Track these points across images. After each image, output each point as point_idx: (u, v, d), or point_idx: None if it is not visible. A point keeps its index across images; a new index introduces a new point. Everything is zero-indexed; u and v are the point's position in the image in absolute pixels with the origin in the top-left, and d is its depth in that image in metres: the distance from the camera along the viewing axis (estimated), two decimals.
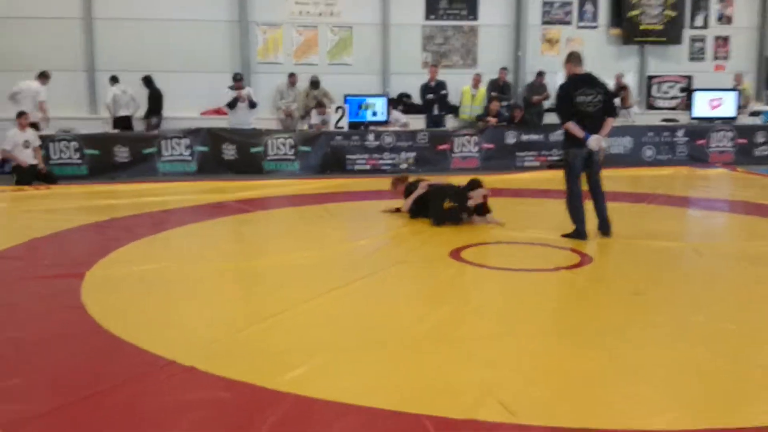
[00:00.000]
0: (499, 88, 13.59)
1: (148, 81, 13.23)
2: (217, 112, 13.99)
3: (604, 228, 6.39)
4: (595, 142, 6.17)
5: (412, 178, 8.05)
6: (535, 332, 4.04)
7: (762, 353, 3.70)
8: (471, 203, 7.07)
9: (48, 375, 3.43)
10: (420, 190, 7.52)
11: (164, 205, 8.51)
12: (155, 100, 13.29)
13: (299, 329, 4.04)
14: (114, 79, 12.87)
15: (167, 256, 5.95)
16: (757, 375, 3.41)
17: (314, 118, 12.43)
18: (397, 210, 7.70)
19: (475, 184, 7.29)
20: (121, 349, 3.74)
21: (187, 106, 13.78)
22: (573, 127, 6.22)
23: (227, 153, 11.44)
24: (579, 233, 6.29)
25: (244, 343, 3.82)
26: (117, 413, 2.98)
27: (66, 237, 6.77)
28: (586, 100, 6.21)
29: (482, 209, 7.24)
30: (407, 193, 7.68)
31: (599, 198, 6.42)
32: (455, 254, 5.81)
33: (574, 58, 6.40)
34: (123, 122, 12.71)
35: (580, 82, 6.27)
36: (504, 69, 13.93)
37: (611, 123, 6.36)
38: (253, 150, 11.46)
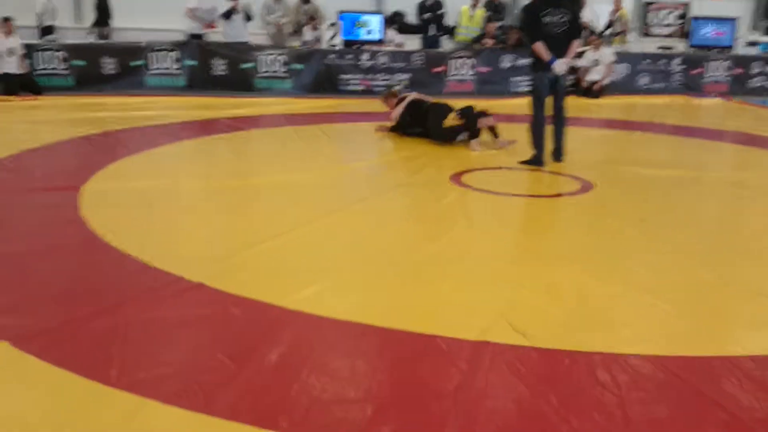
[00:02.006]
0: (493, 7, 13.23)
1: None
2: (208, 25, 13.55)
3: (557, 155, 6.35)
4: (560, 66, 6.08)
5: (403, 95, 7.96)
6: (546, 256, 4.05)
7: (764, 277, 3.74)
8: (482, 122, 7.02)
9: (52, 289, 3.37)
10: (409, 98, 7.46)
11: (155, 119, 8.34)
12: (102, 9, 12.53)
13: (308, 248, 4.01)
14: None
15: (164, 172, 5.85)
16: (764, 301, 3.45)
17: (307, 34, 12.11)
18: (391, 129, 7.60)
19: (482, 113, 7.24)
20: (126, 264, 3.69)
21: (177, 18, 13.29)
22: (540, 47, 6.12)
23: (217, 68, 11.14)
24: (537, 159, 6.25)
25: (253, 260, 3.78)
26: (127, 327, 2.94)
27: (58, 149, 6.62)
28: (552, 20, 6.06)
29: (494, 134, 7.24)
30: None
31: (559, 123, 6.37)
32: (456, 178, 5.76)
33: None
34: (48, 31, 12.09)
35: (545, 3, 6.10)
36: None
37: (576, 46, 6.28)
38: (244, 66, 11.17)
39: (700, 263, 3.96)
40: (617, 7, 13.62)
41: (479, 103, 7.80)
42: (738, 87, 12.52)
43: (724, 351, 2.92)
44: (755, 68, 12.67)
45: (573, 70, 11.54)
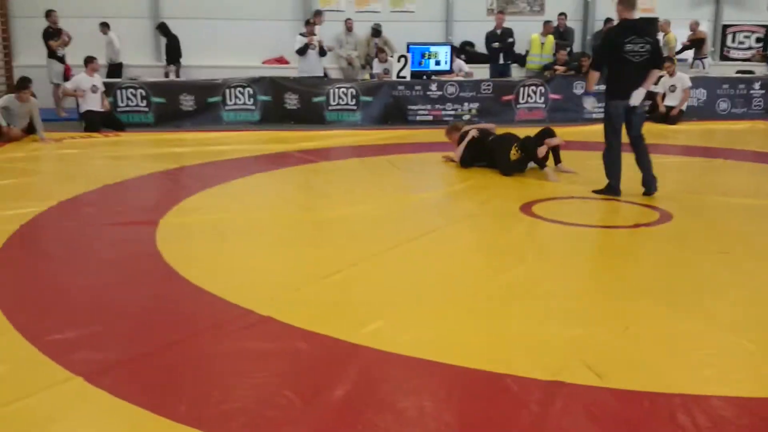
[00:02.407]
0: (559, 34, 13.10)
1: (164, 28, 13.00)
2: (279, 60, 13.93)
3: (649, 186, 6.02)
4: (637, 96, 5.84)
5: (466, 127, 7.92)
6: (621, 290, 3.91)
7: None
8: (541, 151, 6.89)
9: (127, 322, 3.45)
10: (469, 136, 7.40)
11: (230, 154, 8.54)
12: (173, 48, 13.02)
13: (374, 282, 4.00)
14: (105, 26, 12.57)
15: (237, 205, 5.97)
16: None
17: (376, 67, 12.26)
18: (457, 161, 7.55)
19: (547, 133, 7.12)
20: (198, 297, 3.75)
21: (249, 54, 13.72)
22: (592, 76, 6.09)
23: (290, 102, 11.38)
24: (612, 189, 6.05)
25: (320, 294, 3.79)
26: (197, 361, 2.99)
27: (137, 184, 6.85)
28: (634, 48, 5.81)
29: (555, 158, 7.12)
30: (461, 142, 7.56)
31: (642, 153, 6.06)
32: (526, 209, 5.66)
33: (625, 1, 5.93)
34: (117, 69, 12.63)
35: (629, 30, 5.86)
36: (562, 15, 13.43)
37: (656, 75, 6.07)
38: (315, 100, 11.37)
39: None
40: (693, 30, 13.29)
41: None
42: None
43: None
44: None
45: (649, 95, 11.28)
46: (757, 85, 12.04)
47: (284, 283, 3.99)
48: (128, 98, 10.95)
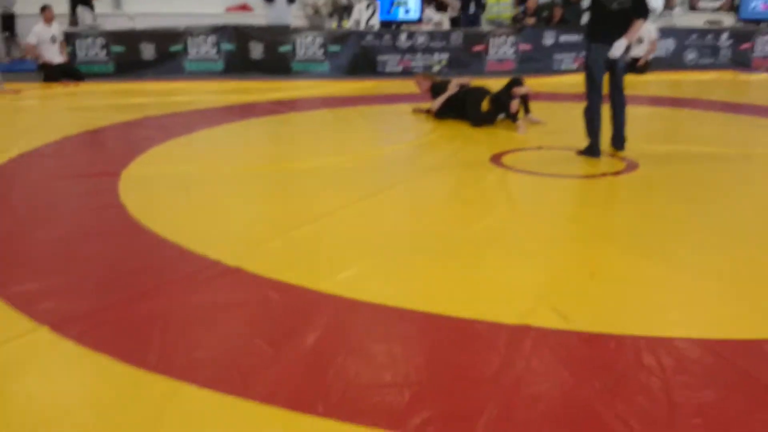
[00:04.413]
0: None
1: None
2: (243, 7, 13.60)
3: (618, 142, 5.80)
4: (618, 47, 5.47)
5: (438, 79, 7.87)
6: (589, 237, 3.95)
7: None
8: (514, 105, 6.87)
9: (92, 274, 3.40)
10: (451, 91, 7.35)
11: (194, 104, 8.37)
12: None
13: (345, 232, 3.97)
14: None
15: (203, 156, 5.87)
16: None
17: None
18: (428, 111, 7.51)
19: (516, 82, 7.09)
20: (164, 249, 3.70)
21: (211, 1, 13.36)
22: None
23: (255, 52, 11.14)
24: (592, 150, 5.71)
25: (290, 244, 3.76)
26: (165, 311, 2.95)
27: (98, 135, 6.69)
28: None
29: (525, 108, 7.10)
30: (434, 93, 7.51)
31: (619, 107, 5.77)
32: (496, 159, 5.66)
33: None
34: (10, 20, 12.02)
35: None
36: None
37: (639, 25, 5.53)
38: (282, 49, 11.15)
39: (749, 243, 3.83)
40: None
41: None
42: None
43: None
44: None
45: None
46: (724, 36, 12.11)
47: (253, 234, 3.95)
48: (87, 48, 10.62)
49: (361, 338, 2.75)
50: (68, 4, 11.67)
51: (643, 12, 5.51)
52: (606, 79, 5.67)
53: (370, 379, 2.44)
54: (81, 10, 11.59)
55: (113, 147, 6.44)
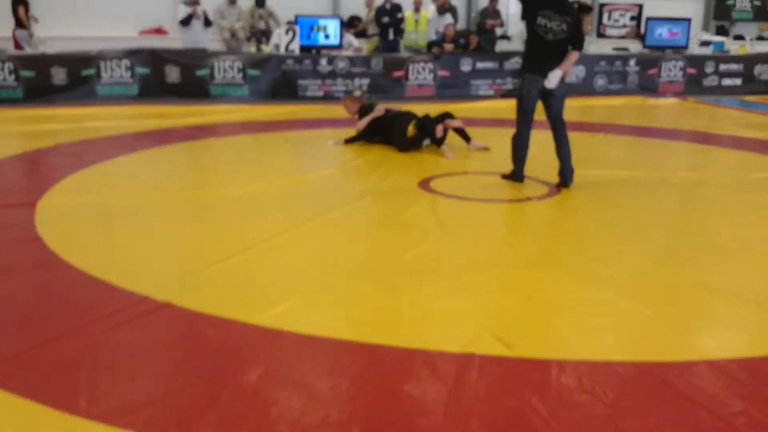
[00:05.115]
0: (444, 11, 13.21)
1: None
2: (158, 31, 13.31)
3: (566, 176, 5.62)
4: (553, 78, 5.35)
5: (365, 101, 7.92)
6: (520, 262, 4.00)
7: (739, 278, 3.74)
8: (439, 130, 6.95)
9: (12, 314, 3.19)
10: (377, 113, 7.39)
11: (109, 130, 8.07)
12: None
13: (277, 262, 3.88)
14: None
15: (122, 184, 5.64)
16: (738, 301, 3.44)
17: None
18: (347, 141, 7.46)
19: (448, 115, 7.21)
20: (88, 284, 3.51)
21: (125, 25, 13.01)
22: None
23: (171, 76, 10.86)
24: (516, 175, 5.72)
25: (220, 276, 3.64)
26: (93, 352, 2.79)
27: (9, 164, 6.34)
28: (547, 24, 5.30)
29: (465, 139, 7.20)
30: (362, 116, 7.53)
31: (561, 141, 5.59)
32: (424, 184, 5.69)
33: None
34: None
35: (546, 2, 5.33)
36: None
37: (575, 57, 5.45)
38: (199, 73, 10.91)
39: (672, 265, 3.97)
40: (582, 5, 13.75)
41: (444, 108, 7.75)
42: (692, 86, 12.74)
43: (708, 354, 2.90)
44: (709, 68, 12.91)
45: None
46: (632, 62, 12.64)
47: (181, 266, 3.81)
48: None
49: (303, 374, 2.66)
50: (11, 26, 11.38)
51: (579, 43, 5.48)
52: (541, 109, 5.63)
53: (316, 418, 2.36)
54: (19, 33, 11.30)
55: (25, 176, 6.12)
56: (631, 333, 3.12)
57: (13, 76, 10.19)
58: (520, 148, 5.71)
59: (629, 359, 2.81)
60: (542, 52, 5.41)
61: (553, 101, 5.56)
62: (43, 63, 10.38)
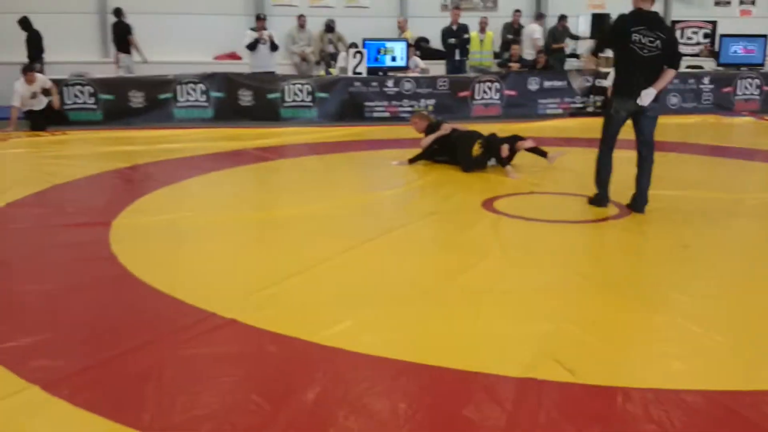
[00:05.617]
0: (513, 31, 13.19)
1: (25, 23, 11.88)
2: (232, 56, 13.70)
3: (638, 203, 5.46)
4: (646, 96, 5.15)
5: (433, 119, 7.93)
6: (586, 285, 3.91)
7: None
8: (504, 149, 6.91)
9: (84, 328, 3.32)
10: (442, 131, 7.39)
11: (183, 152, 8.34)
12: (34, 43, 11.89)
13: (339, 281, 3.92)
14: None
15: (194, 204, 5.82)
16: None
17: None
18: (411, 161, 7.47)
19: (519, 138, 7.18)
20: (158, 301, 3.63)
21: (201, 50, 13.46)
22: (590, 59, 5.47)
23: (243, 99, 11.18)
24: (599, 199, 5.60)
25: (284, 295, 3.70)
26: (159, 367, 2.87)
27: (87, 184, 6.63)
28: (641, 40, 5.13)
29: (541, 155, 7.16)
30: (428, 133, 7.54)
31: (644, 168, 5.44)
32: (488, 204, 5.66)
33: None
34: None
35: (639, 19, 5.18)
36: (517, 11, 13.54)
37: (670, 76, 5.23)
38: (270, 96, 11.20)
39: (746, 291, 3.82)
40: None
41: (511, 127, 7.70)
42: None
43: None
44: None
45: (601, 90, 11.41)
46: (706, 80, 12.30)
47: (246, 284, 3.89)
48: (75, 95, 10.60)
49: (362, 394, 2.67)
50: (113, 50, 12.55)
51: (675, 61, 5.27)
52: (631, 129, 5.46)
53: None
54: (123, 57, 12.31)
55: (103, 196, 6.37)
56: (700, 360, 3.00)
57: (93, 99, 10.66)
58: (600, 171, 5.60)
59: (698, 388, 2.71)
60: (635, 71, 5.22)
61: (644, 122, 5.38)
62: (122, 86, 10.84)
